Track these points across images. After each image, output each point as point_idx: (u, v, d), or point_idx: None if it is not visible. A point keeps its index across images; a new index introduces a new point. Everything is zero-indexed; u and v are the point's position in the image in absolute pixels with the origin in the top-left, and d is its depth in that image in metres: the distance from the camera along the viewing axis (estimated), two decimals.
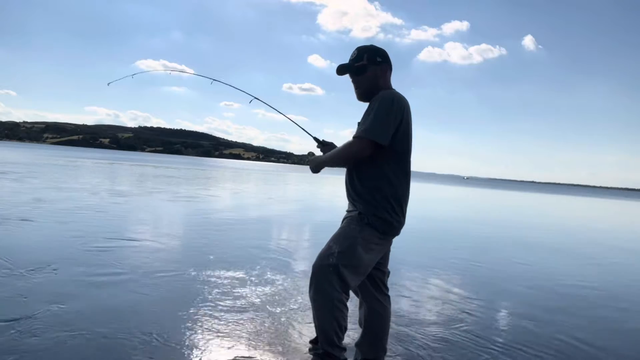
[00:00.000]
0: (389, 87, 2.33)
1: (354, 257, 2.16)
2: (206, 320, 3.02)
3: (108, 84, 3.67)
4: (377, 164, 2.20)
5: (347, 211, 2.37)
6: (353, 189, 2.29)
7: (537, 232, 11.28)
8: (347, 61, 2.35)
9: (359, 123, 2.29)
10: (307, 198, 16.50)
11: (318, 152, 2.58)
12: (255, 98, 3.00)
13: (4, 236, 5.11)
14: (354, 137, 2.19)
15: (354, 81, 2.35)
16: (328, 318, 2.15)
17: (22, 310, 2.91)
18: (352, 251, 2.16)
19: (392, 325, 2.62)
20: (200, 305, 3.31)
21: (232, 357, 2.50)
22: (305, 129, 2.69)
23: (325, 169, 2.44)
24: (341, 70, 2.34)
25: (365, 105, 2.34)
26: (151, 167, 32.40)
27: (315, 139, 2.63)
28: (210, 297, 3.51)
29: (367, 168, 2.22)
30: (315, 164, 2.40)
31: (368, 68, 2.29)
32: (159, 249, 5.15)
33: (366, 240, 2.19)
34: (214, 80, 3.31)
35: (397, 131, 2.17)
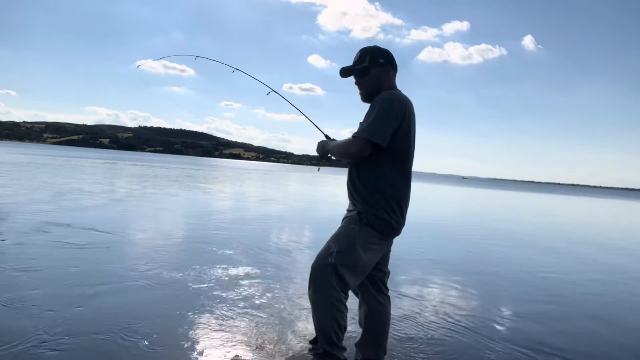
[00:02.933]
0: (393, 87, 2.33)
1: (353, 256, 2.16)
2: (205, 320, 3.02)
3: (137, 67, 4.01)
4: (377, 164, 2.19)
5: (348, 210, 2.37)
6: (354, 188, 2.29)
7: (535, 232, 11.28)
8: (349, 62, 2.36)
9: (360, 123, 2.30)
10: (276, 196, 16.48)
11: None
12: (273, 91, 3.03)
13: None
14: (353, 136, 2.20)
15: (357, 83, 2.36)
16: (327, 318, 2.15)
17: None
18: (351, 251, 2.15)
19: (392, 325, 2.62)
20: (199, 305, 3.30)
21: (231, 357, 2.50)
22: (316, 124, 2.71)
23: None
24: (344, 72, 2.36)
25: (367, 106, 2.35)
26: (140, 167, 31.84)
27: (326, 136, 2.64)
28: (208, 297, 3.51)
29: (368, 168, 2.22)
30: (323, 150, 2.45)
31: (370, 69, 2.29)
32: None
33: (365, 240, 2.18)
34: (236, 69, 3.36)
35: (398, 132, 2.16)
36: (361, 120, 2.33)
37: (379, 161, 2.18)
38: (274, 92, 3.03)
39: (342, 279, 2.14)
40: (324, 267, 2.15)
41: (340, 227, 2.29)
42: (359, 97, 2.38)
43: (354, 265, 2.17)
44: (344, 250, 2.15)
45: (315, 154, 2.58)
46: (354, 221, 2.22)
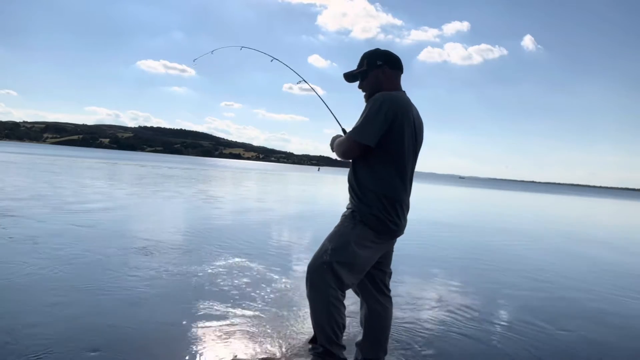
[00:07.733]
0: (395, 88, 2.33)
1: (348, 253, 2.17)
2: (203, 320, 3.01)
3: (194, 61, 3.87)
4: (369, 164, 2.22)
5: (347, 207, 2.39)
6: (351, 186, 2.33)
7: (535, 232, 11.28)
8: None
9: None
10: (276, 197, 16.44)
11: None
12: (303, 80, 3.17)
13: None
14: (346, 136, 2.28)
15: (359, 86, 2.42)
16: (324, 315, 2.16)
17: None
18: (345, 248, 2.17)
19: (393, 325, 2.61)
20: (197, 305, 3.30)
21: (231, 357, 2.49)
22: (338, 120, 2.76)
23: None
24: (348, 78, 2.44)
25: None
26: (132, 167, 31.35)
27: (344, 131, 2.65)
28: (206, 297, 3.50)
29: (361, 167, 2.26)
30: (331, 143, 2.50)
31: (369, 72, 2.33)
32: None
33: (360, 237, 2.19)
34: (274, 58, 3.55)
35: (390, 132, 2.16)
36: None
37: (371, 161, 2.21)
38: (304, 82, 3.17)
39: (338, 277, 2.15)
40: (319, 265, 2.18)
41: (336, 226, 2.32)
42: (363, 100, 2.42)
43: (350, 263, 2.18)
44: (338, 247, 2.18)
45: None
46: (348, 219, 2.26)
